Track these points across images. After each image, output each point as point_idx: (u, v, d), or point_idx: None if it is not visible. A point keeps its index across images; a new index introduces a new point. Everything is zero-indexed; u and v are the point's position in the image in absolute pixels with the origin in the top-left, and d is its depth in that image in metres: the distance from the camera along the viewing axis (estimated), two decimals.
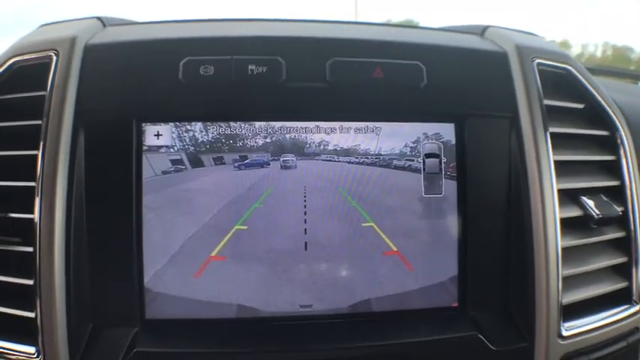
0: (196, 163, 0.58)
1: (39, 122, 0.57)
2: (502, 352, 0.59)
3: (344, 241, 0.59)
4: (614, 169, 0.70)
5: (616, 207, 0.67)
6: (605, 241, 0.68)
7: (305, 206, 0.58)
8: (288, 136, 0.59)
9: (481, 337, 0.59)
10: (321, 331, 0.59)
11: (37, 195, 0.55)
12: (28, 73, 0.60)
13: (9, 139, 0.59)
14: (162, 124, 0.58)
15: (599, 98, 0.70)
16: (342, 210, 0.58)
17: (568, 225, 0.64)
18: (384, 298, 0.60)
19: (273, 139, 0.58)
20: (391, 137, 0.60)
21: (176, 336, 0.57)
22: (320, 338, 0.58)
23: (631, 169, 0.70)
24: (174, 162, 0.58)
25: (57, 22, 0.69)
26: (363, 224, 0.59)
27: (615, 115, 0.70)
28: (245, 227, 0.57)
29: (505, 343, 0.60)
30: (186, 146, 0.58)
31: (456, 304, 0.62)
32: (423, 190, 0.61)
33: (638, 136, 0.76)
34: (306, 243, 0.58)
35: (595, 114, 0.70)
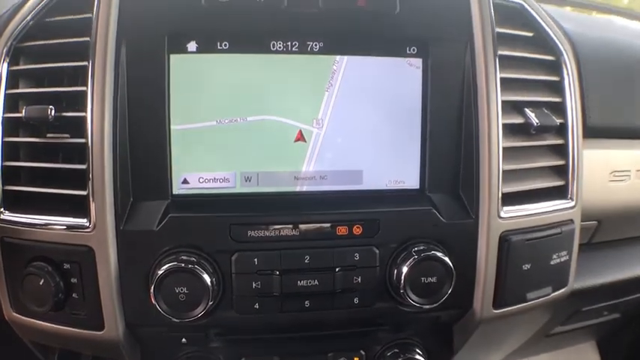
0: None
1: (87, 39, 0.78)
2: (452, 225, 0.83)
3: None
4: (557, 88, 0.93)
5: (555, 118, 0.90)
6: (545, 147, 0.92)
7: None
8: None
9: (435, 211, 0.83)
10: (313, 202, 0.83)
11: (89, 97, 0.76)
12: None
13: (58, 55, 0.80)
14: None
15: (547, 28, 0.92)
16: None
17: (512, 130, 0.88)
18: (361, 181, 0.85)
19: None
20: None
21: (198, 206, 0.80)
22: (314, 207, 0.82)
23: (572, 88, 0.93)
24: None
25: None
26: None
27: (561, 42, 0.93)
28: None
29: (454, 218, 0.84)
30: None
31: (417, 187, 0.86)
32: None
33: (584, 61, 1.00)
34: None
35: (543, 41, 0.92)
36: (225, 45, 0.80)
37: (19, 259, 0.79)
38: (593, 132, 1.02)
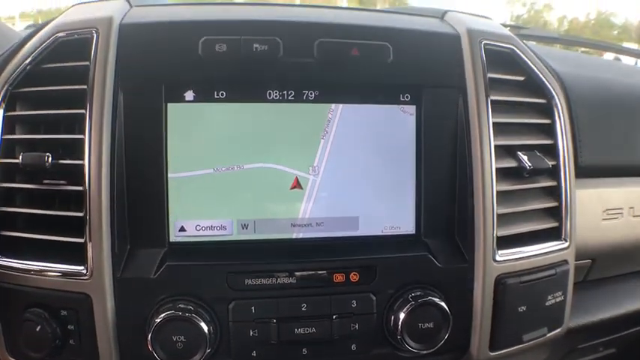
0: None
1: (84, 87, 0.79)
2: (447, 269, 0.85)
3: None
4: (549, 131, 0.95)
5: (548, 161, 0.92)
6: (538, 189, 0.94)
7: None
8: None
9: (431, 257, 0.85)
10: (309, 249, 0.84)
11: (87, 145, 0.77)
12: (70, 46, 0.82)
13: (55, 102, 0.82)
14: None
15: (538, 72, 0.94)
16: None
17: (505, 174, 0.89)
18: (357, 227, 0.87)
19: None
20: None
21: (196, 254, 0.81)
22: (310, 254, 0.83)
23: (563, 131, 0.95)
24: None
25: (90, 2, 0.93)
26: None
27: (552, 85, 0.95)
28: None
29: (450, 263, 0.85)
30: None
31: (412, 232, 0.87)
32: None
33: (575, 102, 1.02)
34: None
35: (534, 85, 0.94)
36: (222, 94, 0.82)
37: (15, 305, 0.79)
38: (585, 172, 1.04)
